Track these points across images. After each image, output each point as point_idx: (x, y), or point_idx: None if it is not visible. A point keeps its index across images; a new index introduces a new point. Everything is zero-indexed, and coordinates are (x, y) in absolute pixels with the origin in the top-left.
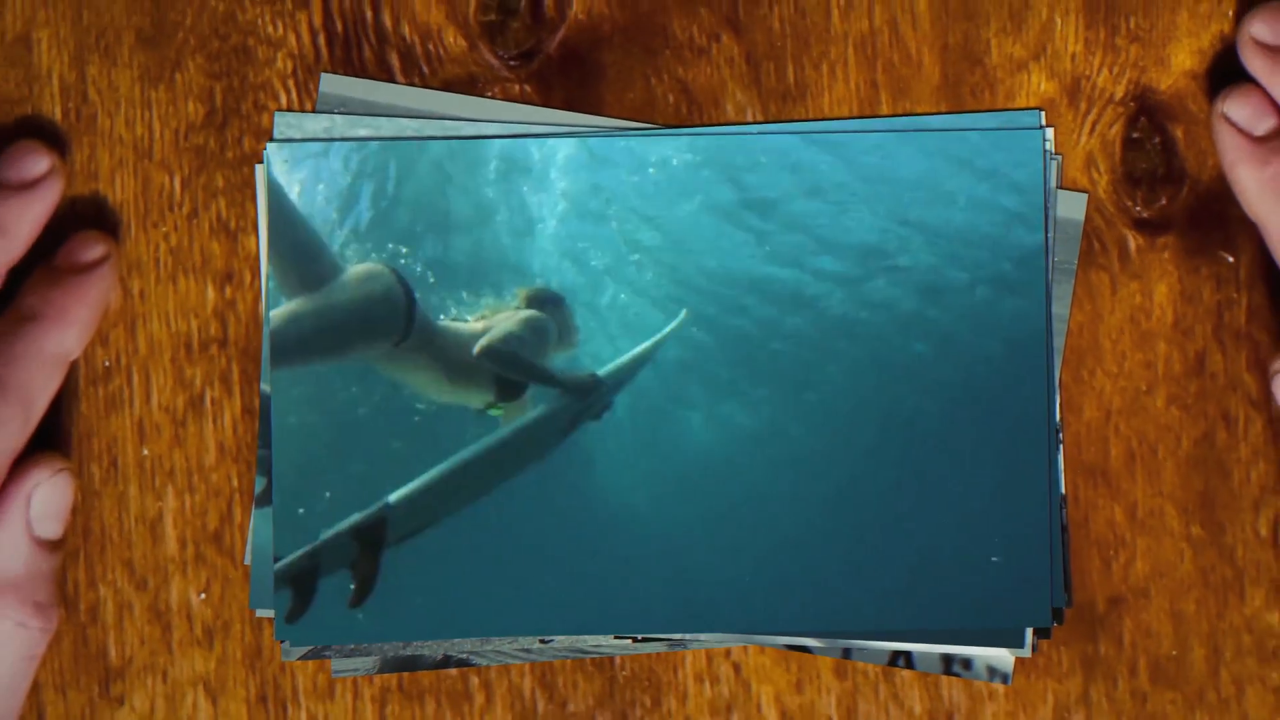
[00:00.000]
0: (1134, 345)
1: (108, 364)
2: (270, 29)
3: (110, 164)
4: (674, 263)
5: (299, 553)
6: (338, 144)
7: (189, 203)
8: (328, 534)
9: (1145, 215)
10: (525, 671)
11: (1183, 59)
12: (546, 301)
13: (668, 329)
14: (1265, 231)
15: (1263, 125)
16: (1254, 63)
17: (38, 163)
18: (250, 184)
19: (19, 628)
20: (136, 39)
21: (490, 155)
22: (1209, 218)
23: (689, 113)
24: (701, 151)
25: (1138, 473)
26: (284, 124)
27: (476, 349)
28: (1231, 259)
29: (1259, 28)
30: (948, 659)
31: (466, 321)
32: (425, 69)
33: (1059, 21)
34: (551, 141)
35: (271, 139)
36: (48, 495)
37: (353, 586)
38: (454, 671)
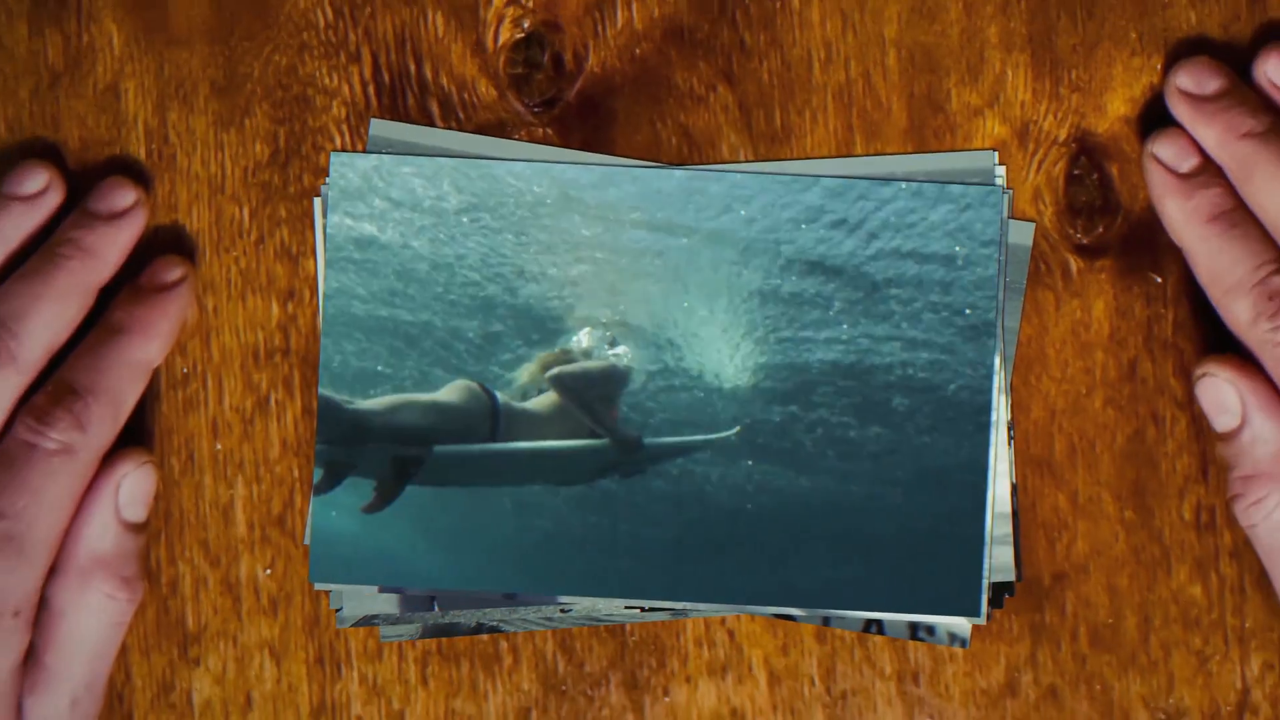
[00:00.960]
0: (1075, 354)
1: (185, 371)
2: (326, 80)
3: (188, 197)
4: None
5: (342, 450)
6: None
7: (256, 231)
8: (371, 445)
9: (1085, 242)
10: (548, 637)
11: (1117, 106)
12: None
13: (716, 436)
14: (1189, 256)
15: (1186, 164)
16: (1179, 109)
17: (125, 196)
18: (309, 215)
19: (109, 599)
20: (211, 89)
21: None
22: (1140, 244)
23: (689, 153)
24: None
25: (1078, 465)
26: (338, 162)
27: (549, 374)
28: (1160, 279)
29: (1183, 79)
30: (914, 626)
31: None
32: (461, 115)
33: (1010, 74)
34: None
35: (327, 177)
36: (134, 484)
37: (373, 495)
38: (485, 637)
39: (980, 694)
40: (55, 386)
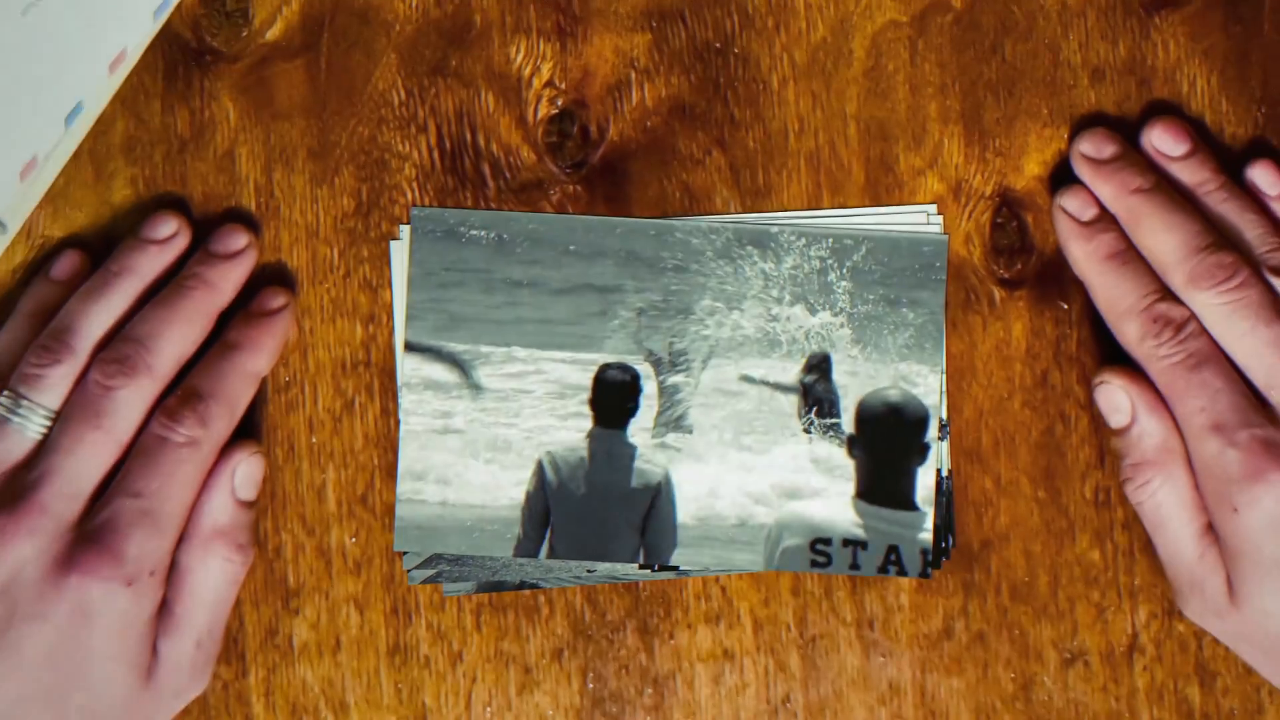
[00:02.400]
0: (998, 366)
1: (287, 379)
2: (400, 147)
3: (289, 240)
4: None
5: None
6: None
7: (343, 267)
8: None
9: (1006, 276)
10: (577, 592)
11: (1032, 167)
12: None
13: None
14: (1089, 287)
15: (1087, 213)
16: (1081, 170)
17: (239, 239)
18: (386, 255)
19: (226, 562)
20: (307, 154)
21: None
22: (1050, 278)
23: (690, 205)
24: None
25: (1001, 454)
26: (419, 214)
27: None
28: (1066, 306)
29: (1085, 146)
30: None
31: None
32: (507, 175)
33: (946, 142)
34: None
35: (405, 223)
36: (246, 469)
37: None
38: (527, 592)
39: (922, 637)
40: (183, 392)
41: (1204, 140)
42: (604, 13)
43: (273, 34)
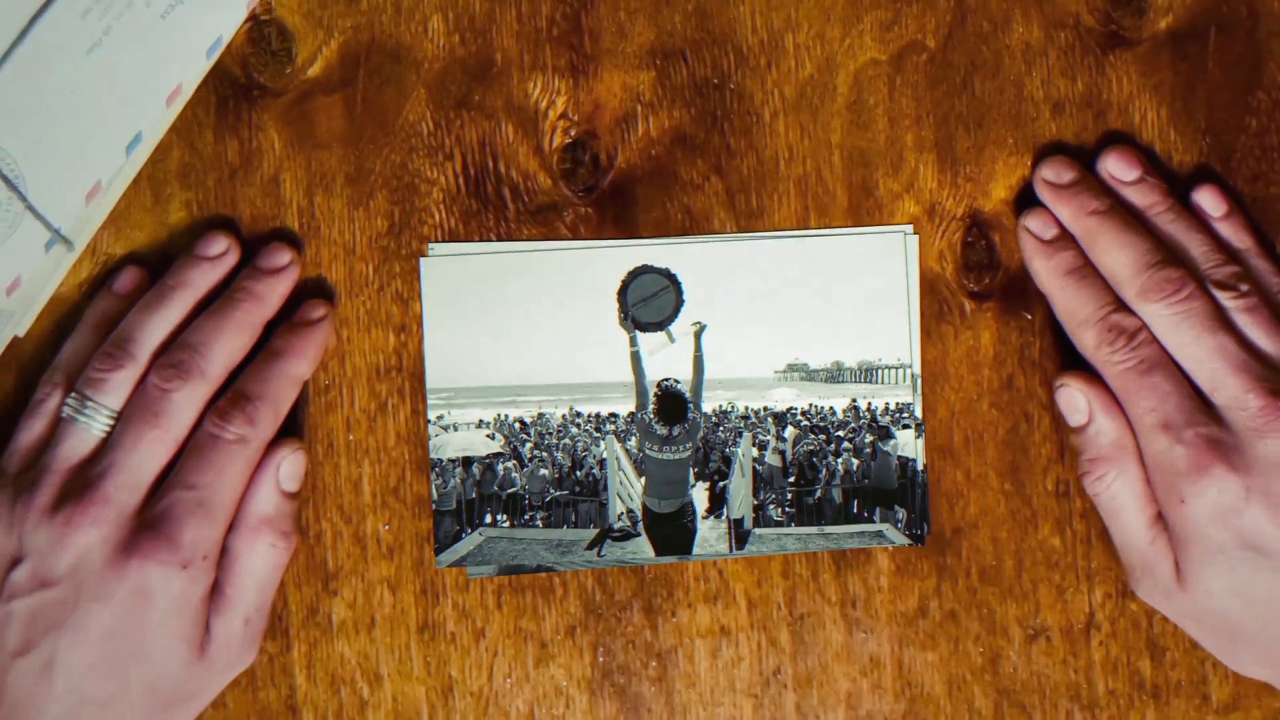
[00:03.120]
0: (969, 370)
1: (327, 383)
2: (429, 173)
3: (328, 257)
4: None
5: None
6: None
7: (378, 282)
8: None
9: (976, 289)
10: (588, 575)
11: (999, 192)
12: None
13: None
14: (1051, 300)
15: (1049, 233)
16: (1043, 193)
17: (283, 256)
18: (416, 271)
19: (272, 547)
20: (345, 179)
21: None
22: (1016, 291)
23: (690, 226)
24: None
25: (971, 451)
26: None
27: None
28: (1030, 316)
29: (1046, 171)
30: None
31: None
32: (525, 198)
33: (922, 169)
34: None
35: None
36: (290, 464)
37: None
38: (543, 575)
39: (900, 615)
40: (233, 394)
41: (1153, 166)
42: (613, 52)
43: (314, 71)
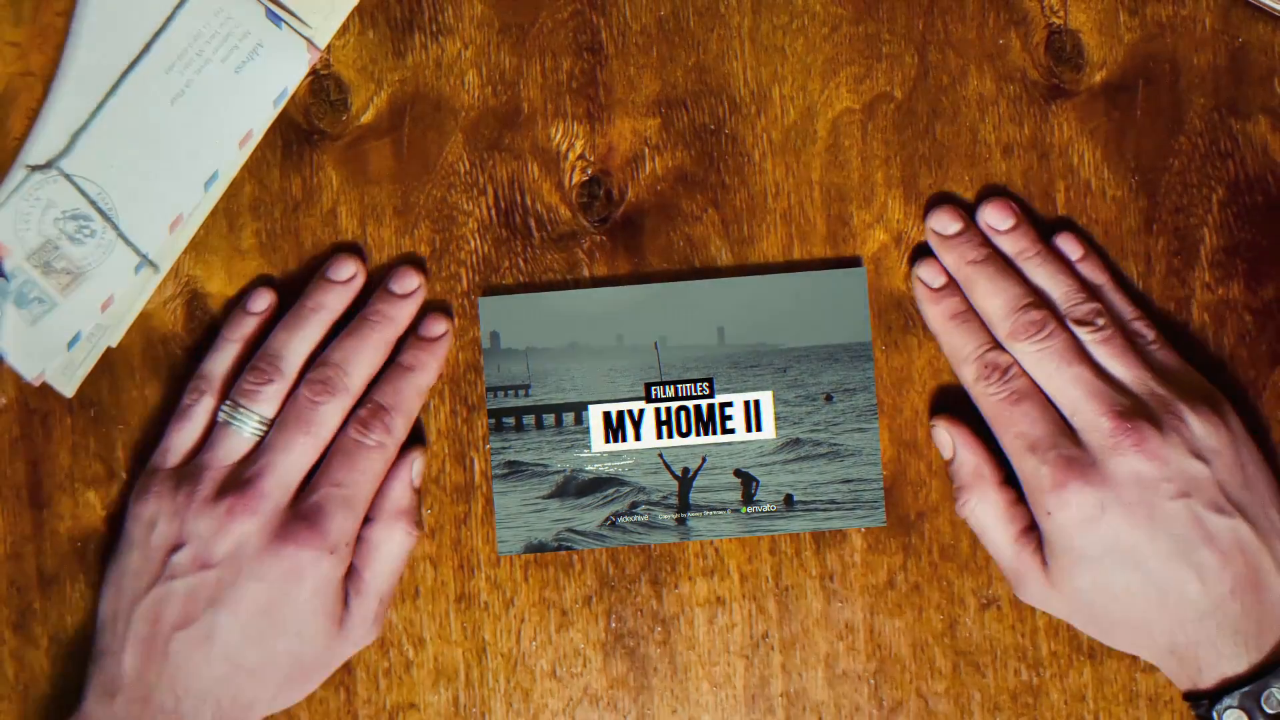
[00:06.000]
0: (930, 376)
1: None
2: (465, 206)
3: (378, 280)
4: None
5: None
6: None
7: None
8: None
9: None
10: (603, 552)
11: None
12: None
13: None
14: (938, 339)
15: (937, 281)
16: (932, 243)
17: (412, 281)
18: (453, 290)
19: (406, 536)
20: (393, 211)
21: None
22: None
23: (691, 253)
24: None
25: (931, 446)
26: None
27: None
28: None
29: (933, 223)
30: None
31: None
32: (548, 227)
33: (890, 202)
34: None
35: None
36: (419, 464)
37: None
38: (564, 552)
39: (871, 588)
40: (373, 406)
41: (1026, 214)
42: (624, 102)
43: (366, 118)
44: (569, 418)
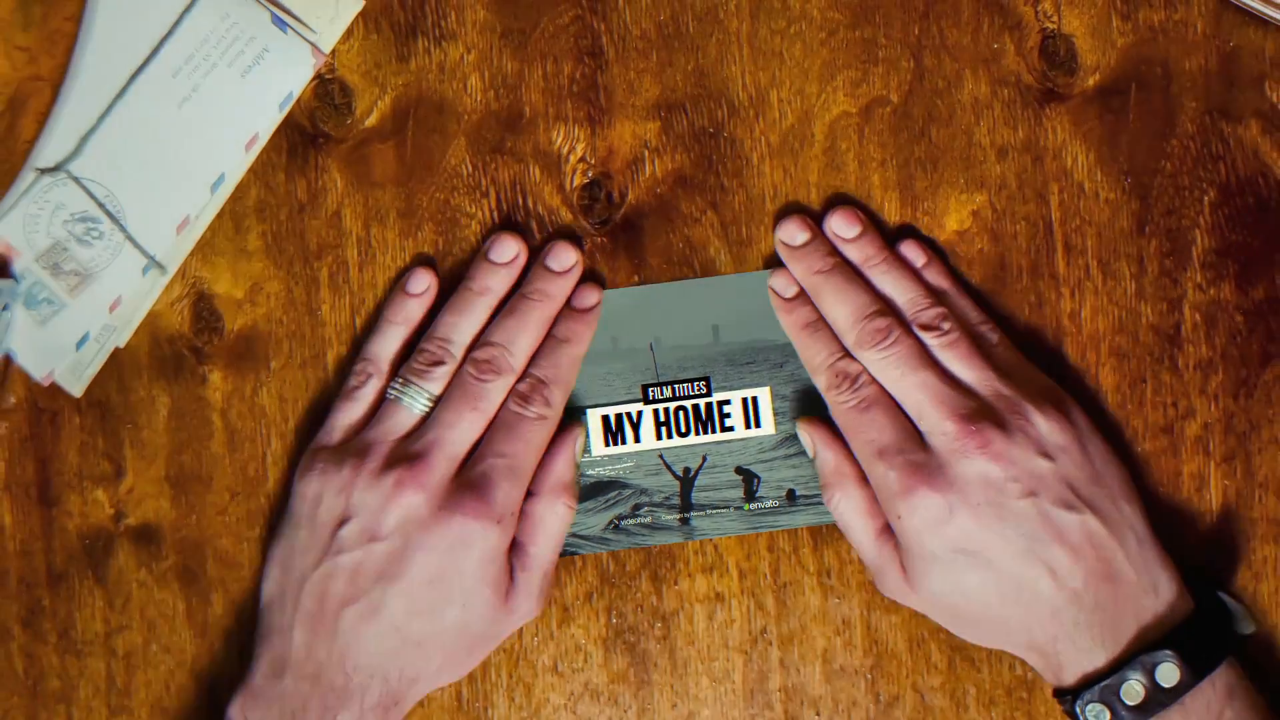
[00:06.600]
0: None
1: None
2: (468, 208)
3: (384, 280)
4: None
5: None
6: None
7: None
8: None
9: None
10: (604, 555)
11: (951, 223)
12: None
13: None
14: (796, 348)
15: (789, 291)
16: (781, 254)
17: (570, 256)
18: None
19: (568, 509)
20: (397, 213)
21: None
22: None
23: (690, 254)
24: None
25: None
26: None
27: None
28: None
29: (781, 234)
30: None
31: None
32: (550, 228)
33: (886, 204)
34: None
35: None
36: (580, 440)
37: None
38: (566, 556)
39: (868, 584)
40: (532, 381)
41: (872, 222)
42: (624, 105)
43: (370, 122)
44: (567, 421)
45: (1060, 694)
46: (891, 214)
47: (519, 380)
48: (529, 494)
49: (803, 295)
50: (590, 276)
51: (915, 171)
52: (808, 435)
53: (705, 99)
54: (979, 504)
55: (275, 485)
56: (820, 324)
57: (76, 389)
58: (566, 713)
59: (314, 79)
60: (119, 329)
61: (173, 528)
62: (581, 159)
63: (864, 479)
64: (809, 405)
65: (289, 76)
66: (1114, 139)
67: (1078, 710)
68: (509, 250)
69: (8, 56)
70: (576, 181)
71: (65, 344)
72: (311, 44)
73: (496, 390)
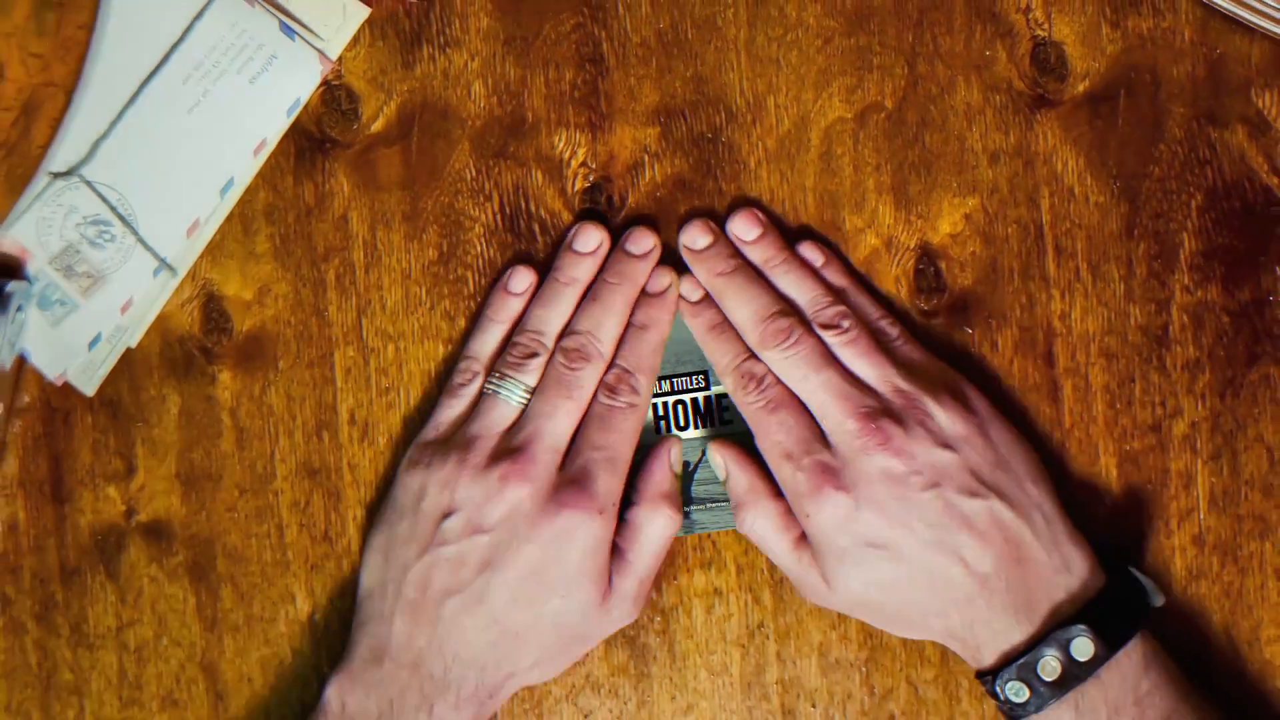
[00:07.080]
0: None
1: (388, 385)
2: (472, 211)
3: (389, 281)
4: None
5: None
6: None
7: (429, 301)
8: None
9: (925, 308)
10: None
11: (945, 227)
12: None
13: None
14: (704, 352)
15: (695, 295)
16: (685, 258)
17: (648, 240)
18: (460, 293)
19: (668, 519)
20: (402, 216)
21: None
22: (958, 310)
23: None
24: None
25: None
26: None
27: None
28: (971, 331)
29: (684, 238)
30: None
31: None
32: (552, 232)
33: (881, 208)
34: None
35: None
36: (676, 450)
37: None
38: None
39: None
40: (616, 371)
41: (773, 223)
42: (625, 111)
43: (376, 127)
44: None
45: (981, 675)
46: (885, 217)
47: (605, 372)
48: (631, 503)
49: (708, 298)
50: (662, 262)
51: (909, 176)
52: (719, 457)
53: (704, 105)
54: (883, 500)
55: (283, 482)
56: (725, 326)
57: (89, 388)
58: (568, 704)
59: (321, 85)
60: (130, 329)
61: (183, 524)
62: (583, 163)
63: (776, 493)
64: None
65: (297, 83)
66: (1103, 144)
67: (998, 689)
68: (593, 240)
69: (22, 63)
70: (578, 185)
71: (78, 344)
72: (319, 51)
73: (588, 377)
